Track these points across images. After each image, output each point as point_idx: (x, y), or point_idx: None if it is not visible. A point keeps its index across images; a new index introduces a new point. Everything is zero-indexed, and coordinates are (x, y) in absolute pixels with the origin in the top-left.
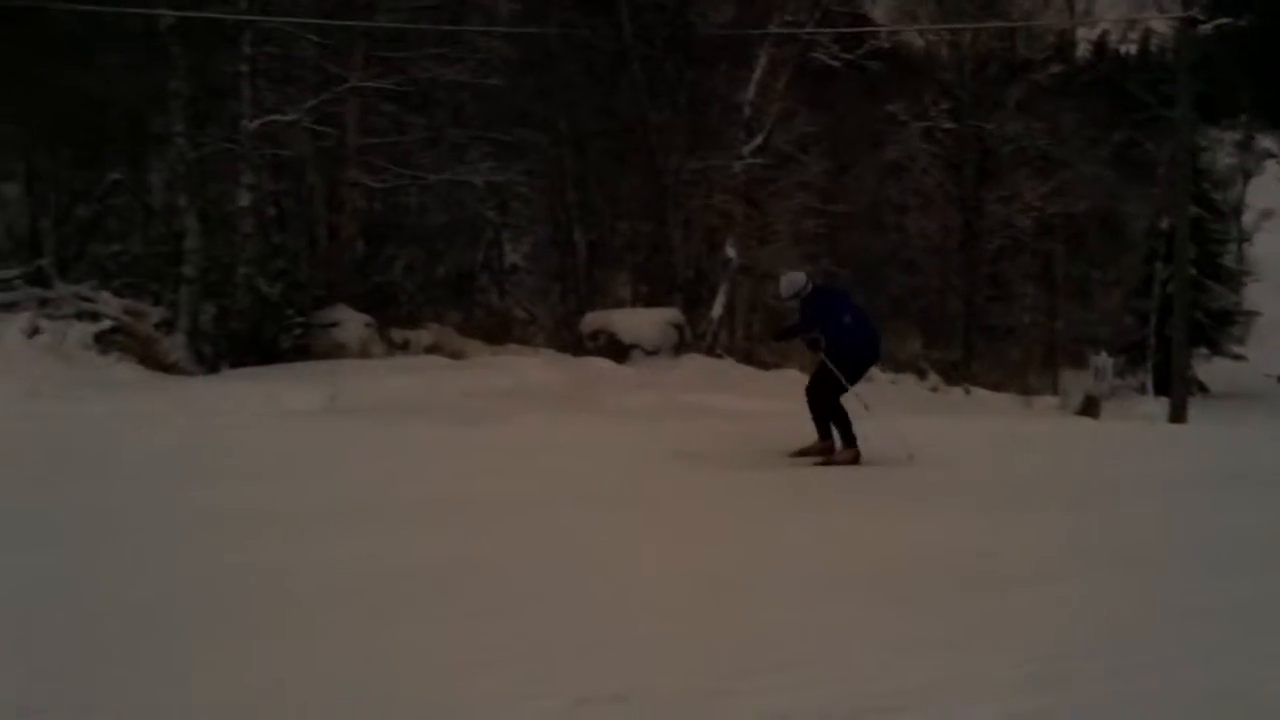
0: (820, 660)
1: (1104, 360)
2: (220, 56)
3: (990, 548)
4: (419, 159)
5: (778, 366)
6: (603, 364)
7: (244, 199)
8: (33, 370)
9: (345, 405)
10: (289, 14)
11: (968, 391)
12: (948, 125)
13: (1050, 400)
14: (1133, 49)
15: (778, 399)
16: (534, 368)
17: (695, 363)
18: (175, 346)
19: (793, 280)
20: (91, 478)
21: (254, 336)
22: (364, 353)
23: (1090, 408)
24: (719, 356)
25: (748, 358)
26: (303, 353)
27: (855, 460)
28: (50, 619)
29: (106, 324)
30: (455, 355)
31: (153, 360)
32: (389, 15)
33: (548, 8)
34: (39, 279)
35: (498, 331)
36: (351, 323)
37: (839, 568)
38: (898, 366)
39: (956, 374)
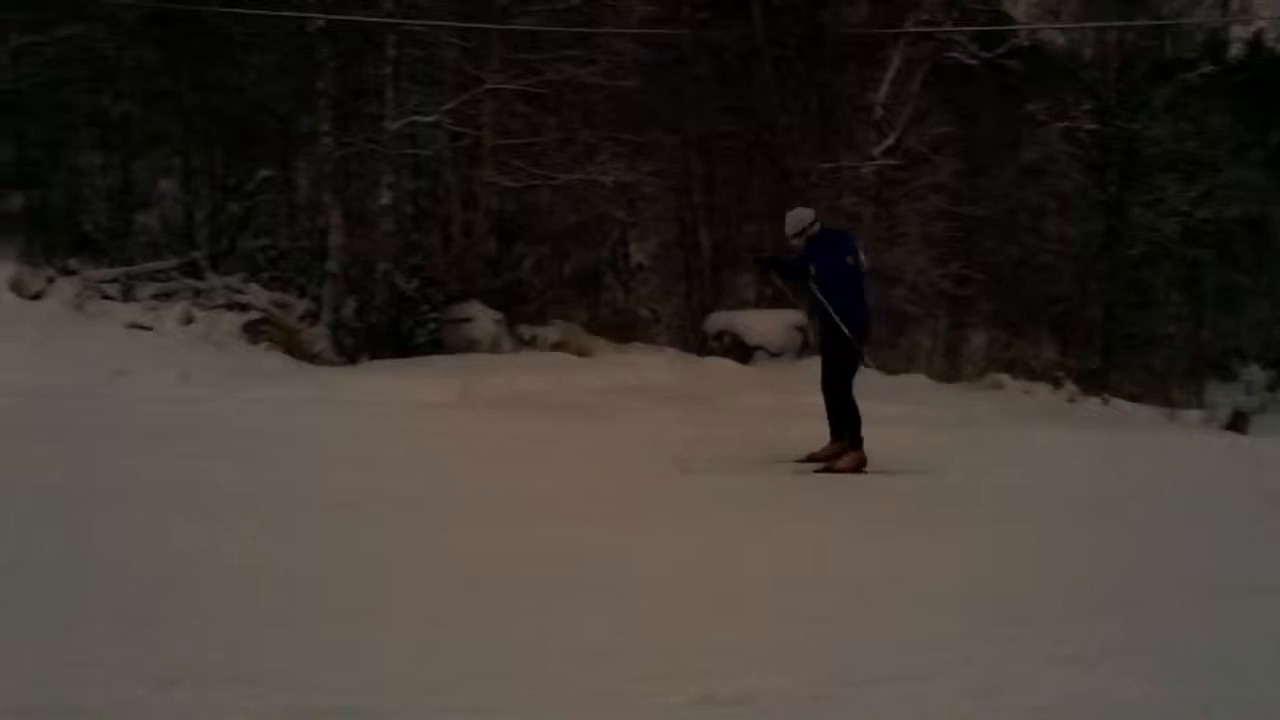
0: (939, 671)
1: (1255, 373)
2: (365, 59)
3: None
4: (551, 159)
5: (904, 371)
6: (726, 364)
7: (385, 197)
8: (187, 357)
9: (476, 398)
10: (432, 18)
11: (1105, 402)
12: (1090, 126)
13: (1196, 414)
14: None
15: (900, 403)
16: (658, 367)
17: (818, 366)
18: (318, 337)
19: (798, 216)
20: (237, 459)
21: (391, 330)
22: (494, 348)
23: (1238, 422)
24: None
25: (872, 361)
26: (436, 346)
27: (859, 467)
28: (205, 588)
29: (255, 315)
30: (581, 352)
31: (297, 350)
32: (526, 19)
33: (680, 9)
34: (193, 270)
35: (622, 330)
36: (482, 318)
37: (959, 579)
38: (1032, 375)
39: (1094, 384)
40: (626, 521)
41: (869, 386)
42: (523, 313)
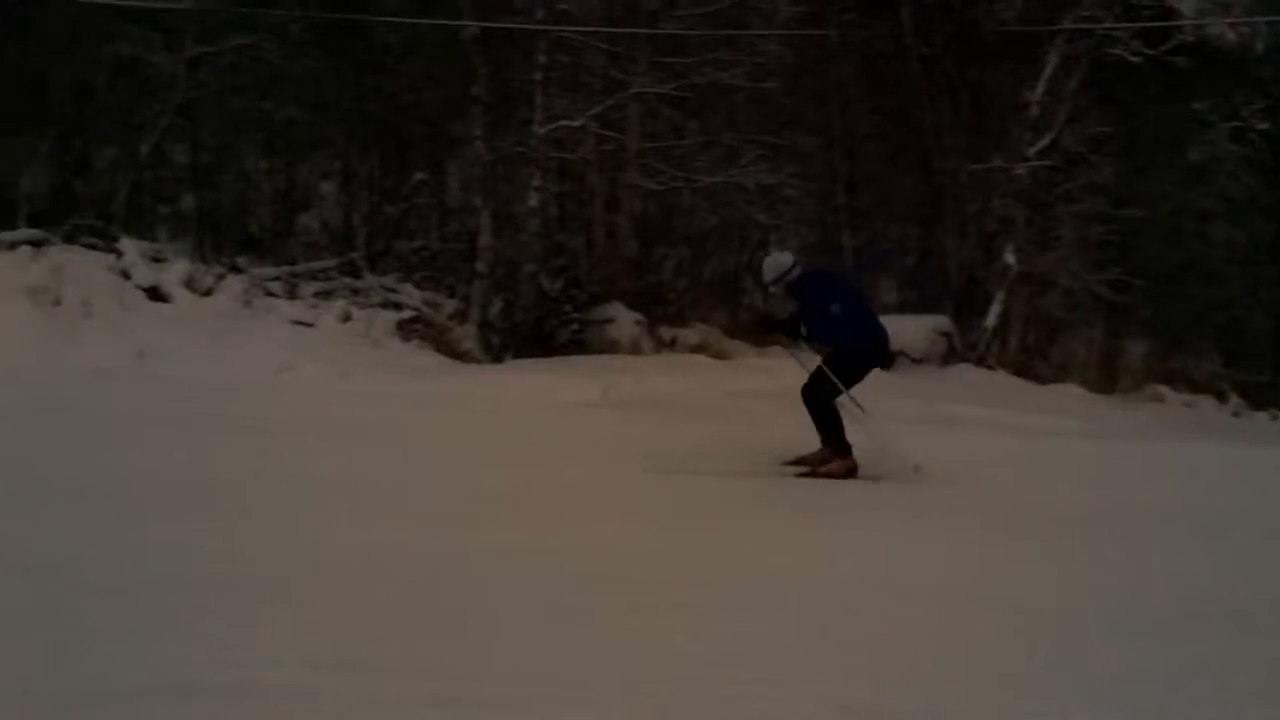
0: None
1: None
2: (516, 65)
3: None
4: (693, 162)
5: (1056, 381)
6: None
7: (533, 200)
8: (345, 352)
9: (616, 399)
10: (581, 24)
11: (1274, 417)
12: (1262, 126)
13: None
14: None
15: (1052, 415)
16: (797, 372)
17: (964, 373)
18: (467, 336)
19: (776, 262)
20: (393, 454)
21: (536, 329)
22: (634, 349)
23: None
24: (990, 368)
25: (1022, 371)
26: (578, 346)
27: (849, 474)
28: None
29: (408, 313)
30: (720, 356)
31: (447, 348)
32: (673, 23)
33: (827, 9)
34: (351, 270)
35: (765, 334)
36: (624, 320)
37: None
38: (1194, 387)
39: (1263, 397)
40: (751, 525)
41: (1000, 393)
42: (663, 315)
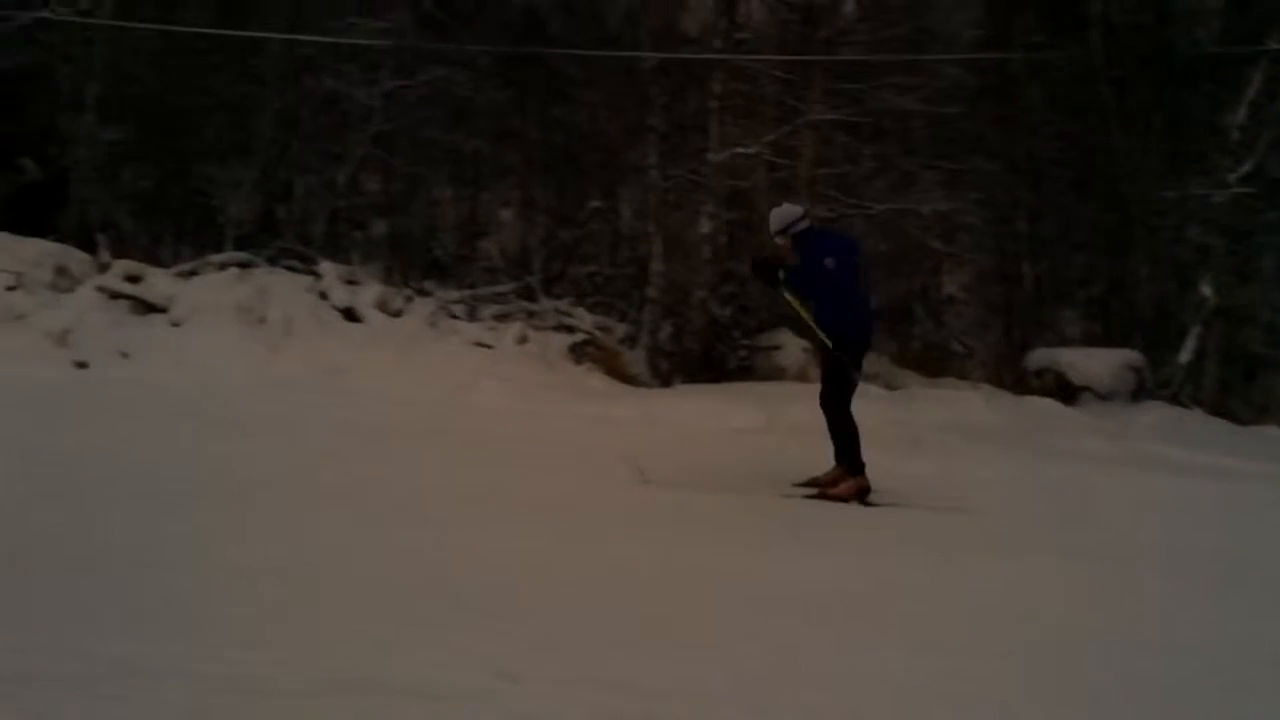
0: None
1: None
2: (691, 94)
3: None
4: (867, 188)
5: (1256, 423)
6: (1048, 404)
7: (704, 226)
8: (521, 374)
9: (783, 426)
10: (757, 53)
11: None
12: None
13: None
14: None
15: (1253, 459)
16: (972, 403)
17: (1156, 411)
18: (636, 360)
19: (785, 212)
20: (564, 472)
21: (704, 355)
22: (802, 376)
23: None
24: (1184, 406)
25: (1219, 410)
26: (746, 373)
27: (861, 494)
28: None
29: (580, 336)
30: (890, 386)
31: (617, 372)
32: (849, 49)
33: (1011, 32)
34: (527, 294)
35: (934, 364)
36: (791, 346)
37: None
38: None
39: None
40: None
41: (1195, 432)
42: None
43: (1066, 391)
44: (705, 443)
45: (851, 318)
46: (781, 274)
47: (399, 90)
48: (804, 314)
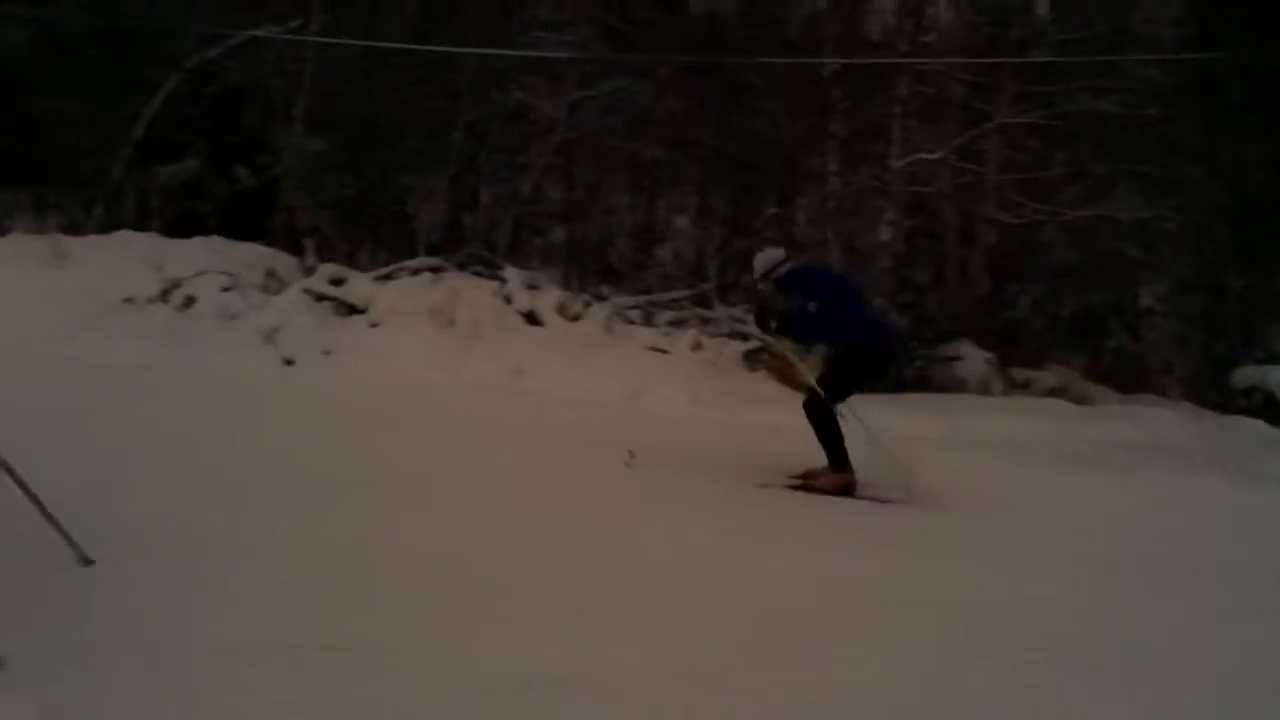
0: None
1: None
2: (874, 99)
3: None
4: (1058, 194)
5: None
6: (1257, 425)
7: (884, 234)
8: (695, 380)
9: (963, 439)
10: (943, 55)
11: None
12: None
13: None
14: None
15: None
16: (1170, 421)
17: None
18: (812, 368)
19: (766, 257)
20: (744, 470)
21: None
22: (983, 389)
23: None
24: None
25: None
26: (923, 384)
27: (845, 489)
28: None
29: (754, 344)
30: (1080, 400)
31: (791, 380)
32: (1041, 50)
33: (1215, 30)
34: (702, 300)
35: (1128, 379)
36: (973, 358)
37: None
38: None
39: None
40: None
41: None
42: (1016, 354)
43: (1276, 411)
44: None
45: (856, 342)
46: (774, 324)
47: (582, 101)
48: (797, 362)
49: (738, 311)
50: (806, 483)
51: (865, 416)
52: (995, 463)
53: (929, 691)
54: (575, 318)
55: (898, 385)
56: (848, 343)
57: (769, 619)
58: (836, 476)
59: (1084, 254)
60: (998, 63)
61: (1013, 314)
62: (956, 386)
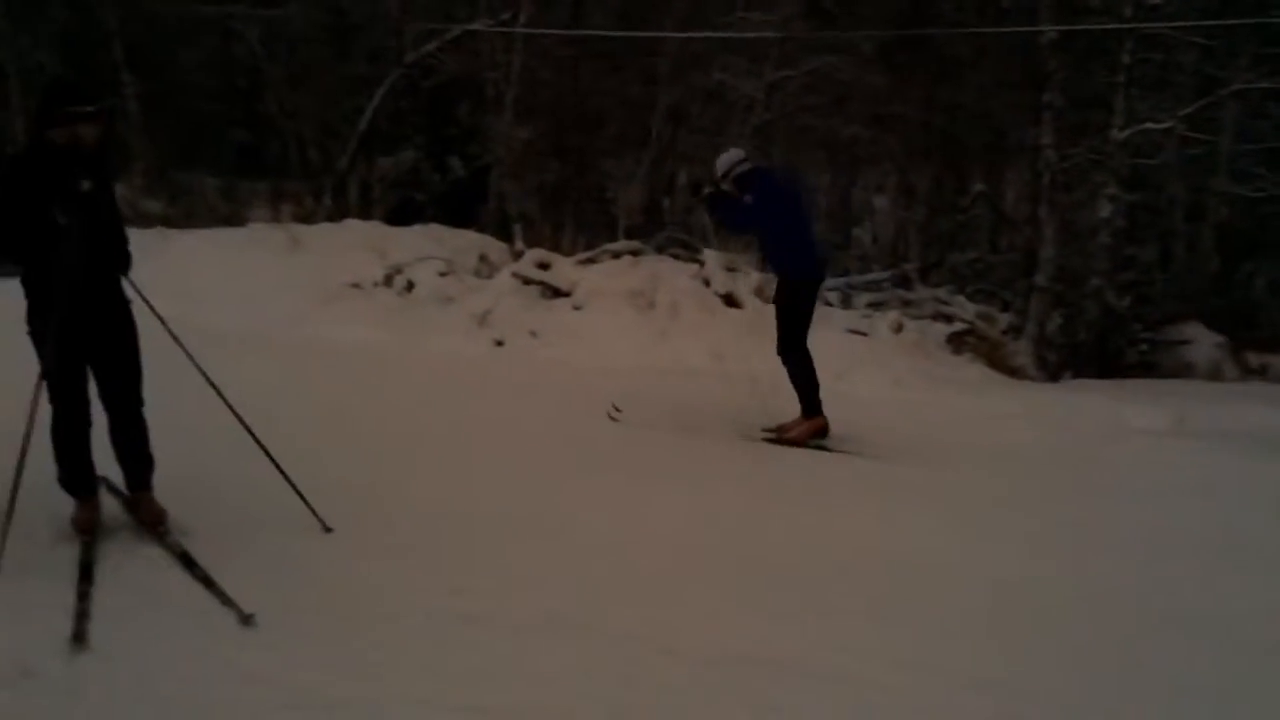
0: None
1: None
2: (1095, 68)
3: None
4: None
5: None
6: None
7: (1104, 209)
8: (897, 362)
9: (1193, 429)
10: (1175, 18)
11: None
12: None
13: None
14: None
15: None
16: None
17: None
18: (1021, 352)
19: (727, 157)
20: (952, 461)
21: (1098, 348)
22: (1214, 375)
23: None
24: None
25: None
26: (1147, 369)
27: (818, 434)
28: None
29: (959, 326)
30: None
31: (999, 363)
32: None
33: None
34: (903, 282)
35: None
36: (1203, 341)
37: None
38: None
39: None
40: None
41: None
42: (1251, 338)
43: None
44: (1097, 444)
45: (797, 255)
46: (707, 190)
47: (782, 80)
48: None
49: (942, 293)
50: (780, 435)
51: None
52: (1228, 458)
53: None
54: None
55: (1114, 370)
56: (783, 265)
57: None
58: (809, 423)
59: None
60: (1234, 24)
61: (1247, 294)
62: (1183, 371)
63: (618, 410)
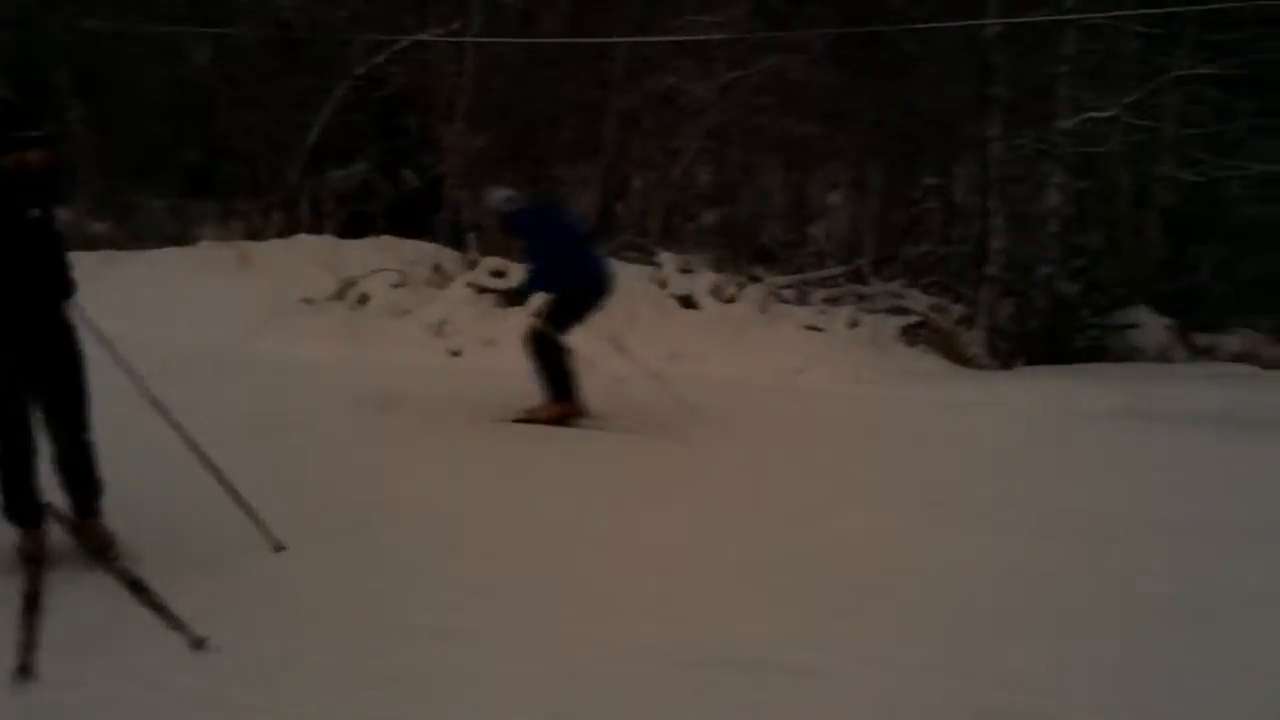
0: None
1: None
2: (1039, 59)
3: None
4: (1242, 148)
5: None
6: None
7: (1052, 198)
8: (854, 357)
9: (1144, 411)
10: (1114, 8)
11: None
12: None
13: None
14: None
15: None
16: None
17: None
18: (974, 341)
19: (490, 197)
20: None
21: (1049, 335)
22: (1163, 357)
23: None
24: None
25: None
26: (1097, 354)
27: (562, 418)
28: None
29: (913, 319)
30: (1271, 365)
31: (953, 354)
32: None
33: None
34: (857, 277)
35: None
36: (1151, 325)
37: None
38: None
39: None
40: None
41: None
42: (1198, 320)
43: None
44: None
45: (580, 275)
46: (523, 287)
47: (734, 81)
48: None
49: (895, 286)
50: (530, 415)
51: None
52: (1177, 437)
53: None
54: (730, 300)
55: (1066, 356)
56: (562, 285)
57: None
58: (555, 406)
59: (1273, 210)
60: (1174, 12)
61: (1194, 277)
62: (1132, 355)
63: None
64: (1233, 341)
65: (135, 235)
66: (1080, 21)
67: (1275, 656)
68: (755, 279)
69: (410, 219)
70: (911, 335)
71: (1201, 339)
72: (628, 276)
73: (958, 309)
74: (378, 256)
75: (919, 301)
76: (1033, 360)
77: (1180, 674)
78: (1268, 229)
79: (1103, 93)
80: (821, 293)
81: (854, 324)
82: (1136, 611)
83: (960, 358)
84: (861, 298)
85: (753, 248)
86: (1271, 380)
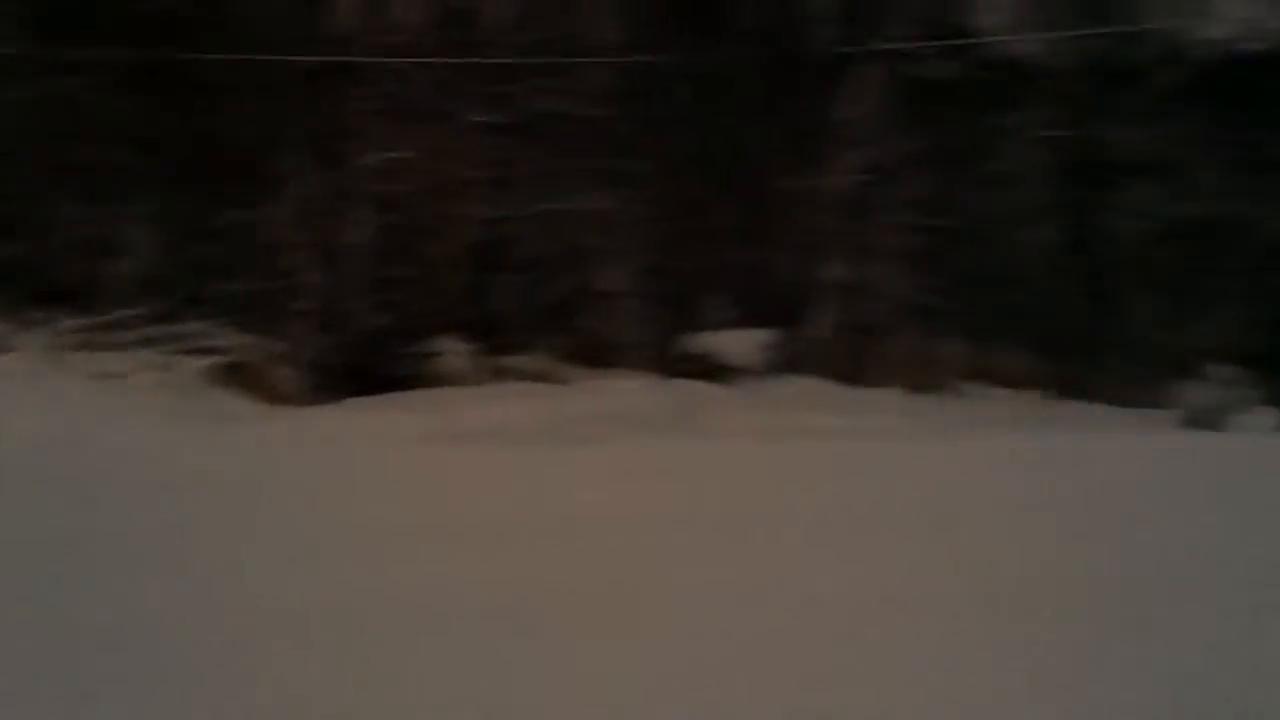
0: None
1: (1224, 372)
2: (342, 99)
3: None
4: (526, 189)
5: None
6: (703, 387)
7: (357, 234)
8: (152, 403)
9: (454, 432)
10: (407, 55)
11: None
12: (1058, 133)
13: (1164, 414)
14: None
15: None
16: (635, 392)
17: (797, 383)
18: (290, 378)
19: None
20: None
21: (364, 367)
22: (471, 380)
23: (1205, 420)
24: (821, 376)
25: (851, 378)
26: (411, 381)
27: None
28: None
29: (225, 359)
30: (559, 381)
31: (269, 393)
32: (500, 51)
33: (656, 34)
34: (164, 316)
35: (600, 357)
36: (457, 351)
37: None
38: (1002, 382)
39: (1064, 389)
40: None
41: (841, 400)
42: (501, 344)
43: (717, 373)
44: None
45: None
46: None
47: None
48: None
49: (206, 325)
50: None
51: None
52: (484, 454)
53: None
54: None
55: (379, 387)
56: None
57: None
58: None
59: (554, 244)
60: (457, 63)
61: (493, 305)
62: (444, 380)
63: None
64: (528, 362)
65: None
66: (377, 65)
67: None
68: (38, 324)
69: None
70: (223, 376)
71: (499, 361)
72: None
73: (273, 345)
74: None
75: (232, 339)
76: (353, 392)
77: None
78: (552, 260)
79: (402, 134)
80: (128, 335)
81: (161, 367)
82: None
83: (279, 397)
84: (172, 338)
85: (40, 288)
86: (557, 395)
